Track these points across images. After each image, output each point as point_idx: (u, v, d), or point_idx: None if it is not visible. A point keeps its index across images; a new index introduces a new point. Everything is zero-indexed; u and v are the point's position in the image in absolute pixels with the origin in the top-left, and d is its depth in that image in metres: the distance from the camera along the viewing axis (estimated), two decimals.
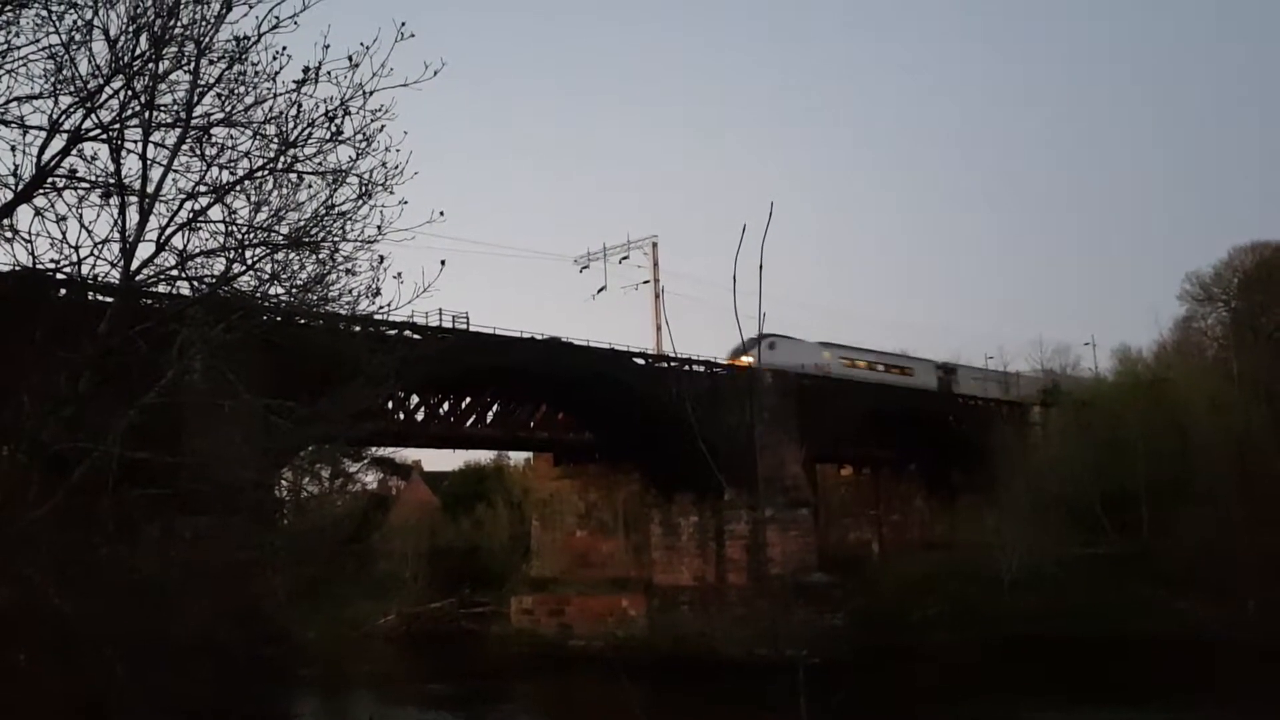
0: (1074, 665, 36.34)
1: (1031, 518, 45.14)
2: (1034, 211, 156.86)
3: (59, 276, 9.25)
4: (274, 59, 8.83)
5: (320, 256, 10.11)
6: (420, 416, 38.72)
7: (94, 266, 9.13)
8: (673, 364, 41.70)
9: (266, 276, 9.98)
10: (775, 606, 40.48)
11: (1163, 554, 42.55)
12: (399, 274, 10.76)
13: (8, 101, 8.64)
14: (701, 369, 43.15)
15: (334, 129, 9.14)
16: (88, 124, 8.74)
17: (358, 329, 11.50)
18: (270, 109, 9.07)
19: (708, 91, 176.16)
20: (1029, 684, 35.09)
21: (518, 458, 64.72)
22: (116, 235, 8.97)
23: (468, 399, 40.69)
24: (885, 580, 49.41)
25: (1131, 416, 48.82)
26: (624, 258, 46.49)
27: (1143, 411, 48.86)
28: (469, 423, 41.09)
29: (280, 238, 9.69)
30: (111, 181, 8.81)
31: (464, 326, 35.45)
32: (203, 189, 9.17)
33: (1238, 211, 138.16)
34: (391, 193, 9.69)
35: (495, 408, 42.08)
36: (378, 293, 11.27)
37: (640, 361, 41.55)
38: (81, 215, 9.01)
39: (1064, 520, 46.24)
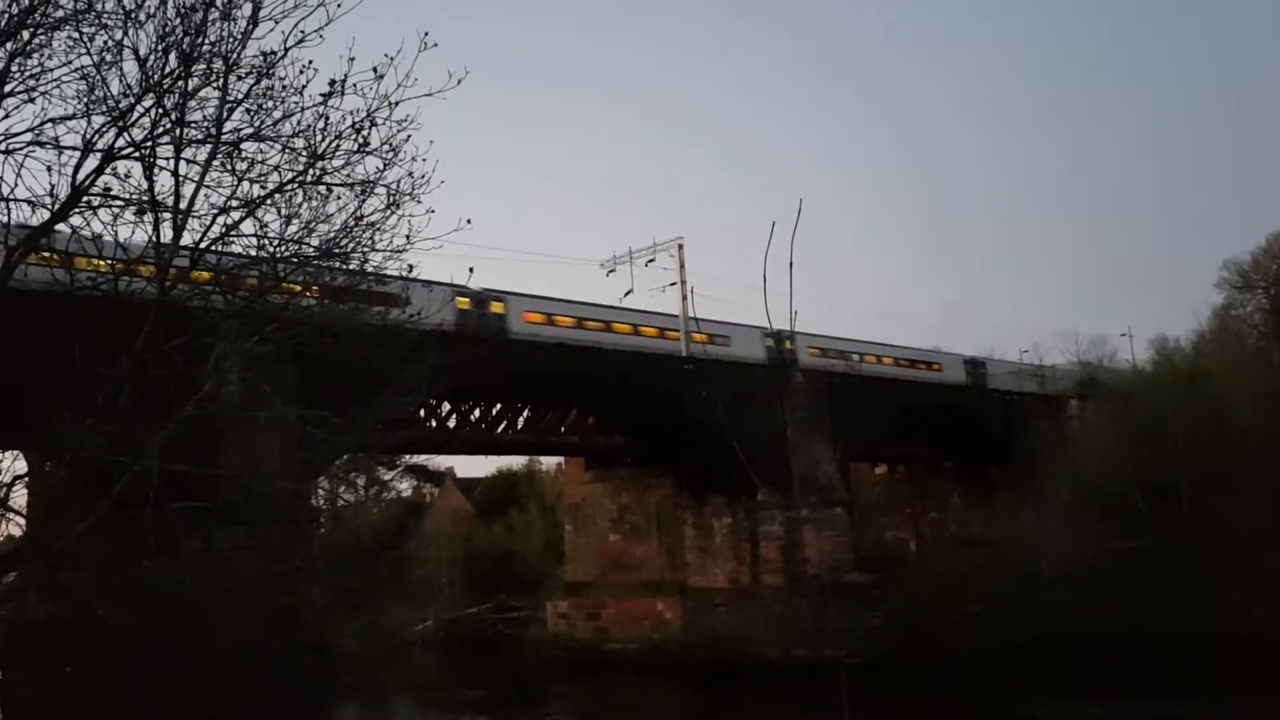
0: (1118, 661, 35.86)
1: (1070, 512, 44.65)
2: (1068, 203, 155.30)
3: (96, 294, 9.39)
4: (300, 73, 8.94)
5: (351, 267, 10.22)
6: (452, 423, 38.95)
7: (130, 283, 9.28)
8: (702, 365, 41.56)
9: (298, 288, 10.09)
10: (812, 607, 40.28)
11: (1207, 547, 41.89)
12: (429, 284, 10.89)
13: (43, 123, 8.79)
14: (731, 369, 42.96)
15: (361, 140, 9.23)
16: (120, 142, 8.87)
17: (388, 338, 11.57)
18: (298, 122, 9.18)
19: (730, 92, 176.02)
20: (1072, 681, 34.66)
21: (549, 462, 64.97)
22: (151, 251, 9.10)
23: (498, 405, 40.86)
24: (923, 578, 49.02)
25: (1171, 408, 48.13)
26: (650, 260, 46.31)
27: (1182, 402, 48.15)
28: (500, 429, 41.28)
29: (311, 249, 9.79)
30: (145, 198, 8.93)
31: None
32: (234, 203, 9.28)
33: (1277, 197, 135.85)
34: (419, 202, 9.77)
35: (525, 413, 42.23)
36: (408, 301, 11.39)
37: (668, 363, 41.47)
38: (116, 232, 9.17)
39: (1103, 514, 45.71)
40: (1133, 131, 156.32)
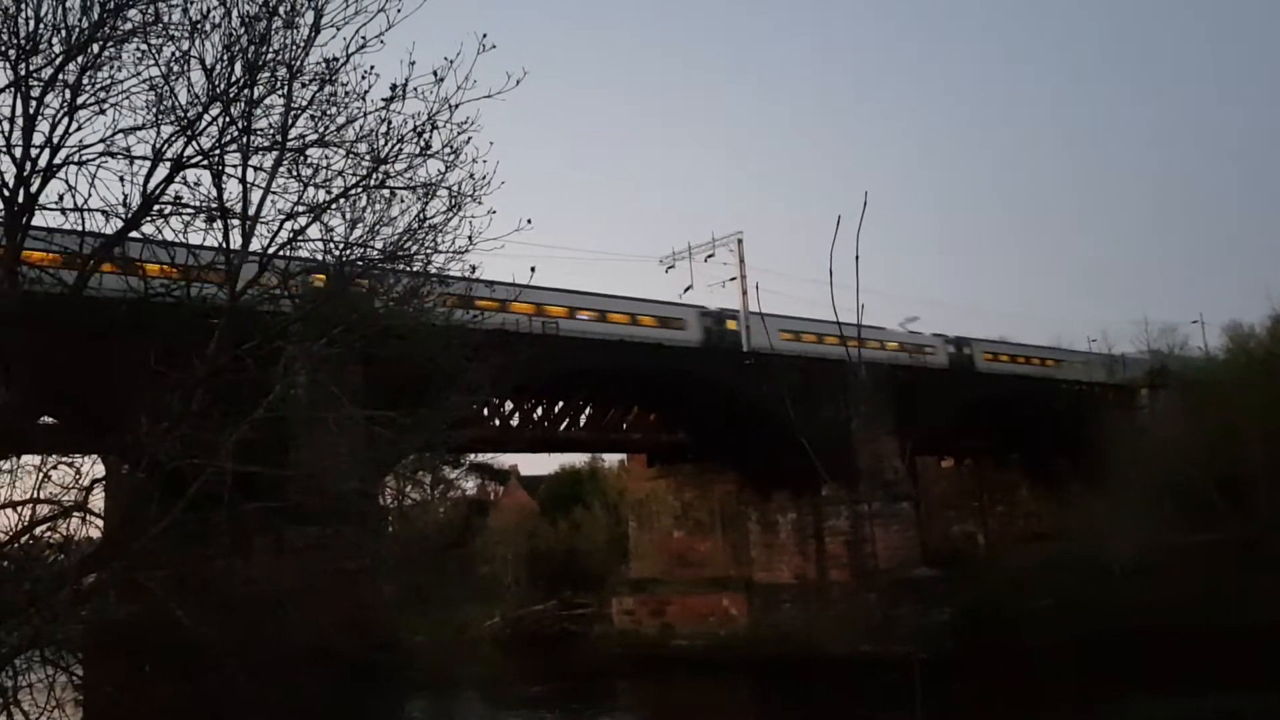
0: (1192, 656, 34.85)
1: (1142, 504, 43.54)
2: (1136, 190, 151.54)
3: (168, 300, 9.60)
4: (363, 78, 9.03)
5: (414, 269, 10.31)
6: (515, 422, 39.19)
7: (201, 289, 9.47)
8: (763, 360, 41.36)
9: (364, 291, 10.21)
10: (880, 603, 39.84)
11: None
12: (491, 284, 10.97)
13: (114, 133, 8.99)
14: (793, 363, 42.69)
15: (423, 144, 9.29)
16: (189, 151, 9.05)
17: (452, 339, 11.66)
18: (361, 127, 9.28)
19: (785, 83, 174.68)
20: (1146, 677, 33.82)
21: (612, 459, 65.21)
22: (221, 257, 9.27)
23: (561, 403, 41.03)
24: (992, 573, 48.24)
25: (1246, 395, 46.76)
26: (709, 256, 46.24)
27: (1258, 390, 46.75)
28: (563, 426, 41.45)
29: (376, 253, 9.89)
30: (214, 206, 9.10)
31: (554, 331, 35.71)
32: (301, 209, 9.41)
33: None
34: (480, 203, 9.81)
35: (588, 410, 42.35)
36: (470, 302, 11.46)
37: (730, 359, 41.33)
38: (187, 240, 9.36)
39: (1176, 507, 44.52)
40: (1203, 114, 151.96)
